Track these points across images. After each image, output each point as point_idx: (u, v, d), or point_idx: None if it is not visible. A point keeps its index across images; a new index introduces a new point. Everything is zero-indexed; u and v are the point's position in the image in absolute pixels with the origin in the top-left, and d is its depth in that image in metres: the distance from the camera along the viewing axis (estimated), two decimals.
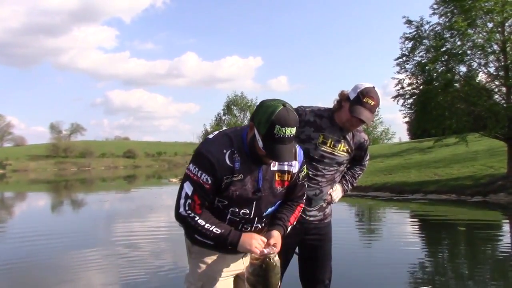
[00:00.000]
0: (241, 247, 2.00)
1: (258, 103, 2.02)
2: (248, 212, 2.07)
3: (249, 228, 2.11)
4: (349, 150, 2.98)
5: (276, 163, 2.08)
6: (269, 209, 2.14)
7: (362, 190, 17.59)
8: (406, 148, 32.24)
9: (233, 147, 1.99)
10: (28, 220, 13.78)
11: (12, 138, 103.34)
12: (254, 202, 2.06)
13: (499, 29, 15.35)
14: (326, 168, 2.92)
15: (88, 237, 9.87)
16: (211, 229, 1.98)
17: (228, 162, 1.97)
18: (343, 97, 2.86)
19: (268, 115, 1.86)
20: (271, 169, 2.09)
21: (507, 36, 15.04)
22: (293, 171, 2.16)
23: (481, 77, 16.70)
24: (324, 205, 3.03)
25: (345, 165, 3.05)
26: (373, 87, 2.80)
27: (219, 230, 1.99)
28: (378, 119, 61.27)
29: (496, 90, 16.12)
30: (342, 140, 2.93)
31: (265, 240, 2.01)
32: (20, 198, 25.29)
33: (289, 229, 2.23)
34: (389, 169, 22.03)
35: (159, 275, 6.30)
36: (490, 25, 15.50)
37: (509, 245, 8.53)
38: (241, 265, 2.22)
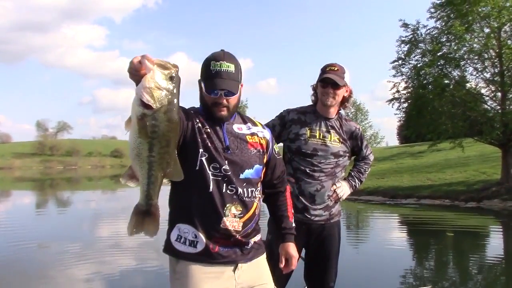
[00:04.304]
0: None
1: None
2: (228, 168, 1.97)
3: (234, 191, 1.98)
4: (341, 140, 2.95)
5: (243, 126, 2.10)
6: (248, 172, 2.03)
7: (354, 194, 17.25)
8: (397, 152, 32.34)
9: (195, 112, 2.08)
10: (11, 218, 13.32)
11: None
12: (226, 161, 1.98)
13: (495, 34, 15.29)
14: (322, 161, 2.88)
15: (72, 235, 9.56)
16: None
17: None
18: (315, 87, 3.02)
19: (205, 60, 2.01)
20: (237, 131, 2.06)
21: (504, 42, 14.98)
22: (266, 137, 2.16)
23: (476, 82, 16.69)
24: (331, 204, 2.93)
25: (343, 157, 2.97)
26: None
27: None
28: (367, 123, 61.54)
29: (492, 95, 16.08)
30: (331, 130, 2.94)
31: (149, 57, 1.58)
32: (3, 196, 24.67)
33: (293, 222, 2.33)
34: (381, 173, 21.96)
35: (145, 271, 6.27)
36: (486, 30, 15.47)
37: (502, 251, 8.46)
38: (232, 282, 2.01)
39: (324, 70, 2.93)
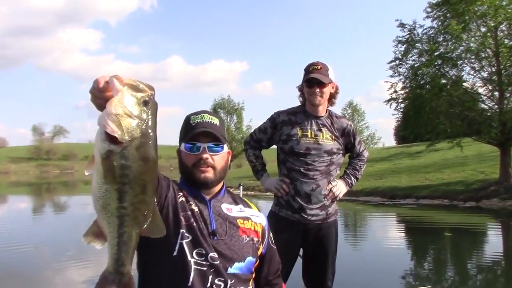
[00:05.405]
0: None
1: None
2: (216, 257, 1.57)
3: (222, 286, 1.56)
4: (334, 137, 2.94)
5: (233, 207, 1.72)
6: (237, 266, 1.61)
7: (353, 195, 17.33)
8: (395, 152, 32.30)
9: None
10: (7, 222, 13.19)
11: None
12: (213, 249, 1.58)
13: (492, 33, 15.29)
14: (316, 160, 2.87)
15: (69, 238, 9.33)
16: None
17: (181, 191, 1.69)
18: (301, 87, 3.02)
19: (184, 120, 1.75)
20: (228, 213, 1.69)
21: (501, 41, 14.97)
22: (261, 223, 1.77)
23: (473, 81, 16.68)
24: (327, 203, 2.91)
25: (337, 154, 2.95)
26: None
27: None
28: (364, 123, 61.59)
29: (489, 95, 16.07)
30: (323, 128, 2.93)
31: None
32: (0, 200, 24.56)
33: None
34: (379, 173, 21.88)
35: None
36: (483, 29, 15.47)
37: (502, 250, 8.46)
38: None
39: (307, 70, 2.94)
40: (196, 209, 1.61)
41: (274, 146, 3.12)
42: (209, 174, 1.63)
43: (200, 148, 1.63)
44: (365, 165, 3.20)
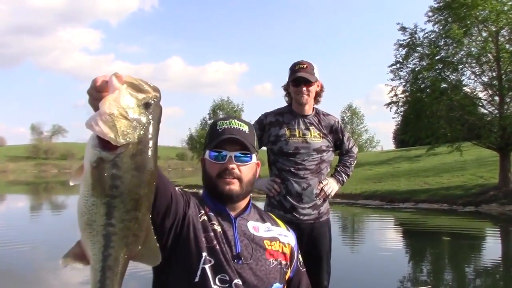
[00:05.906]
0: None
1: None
2: (241, 284, 1.43)
3: None
4: (322, 135, 2.97)
5: (260, 226, 1.58)
6: None
7: (351, 198, 17.30)
8: (393, 156, 32.23)
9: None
10: (3, 220, 13.15)
11: None
12: (238, 274, 1.44)
13: (493, 38, 15.29)
14: (305, 159, 2.89)
15: (67, 238, 9.38)
16: None
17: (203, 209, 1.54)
18: (287, 87, 3.06)
19: (210, 125, 1.65)
20: (254, 233, 1.55)
21: (502, 46, 14.97)
22: (290, 243, 1.63)
23: (474, 86, 16.69)
24: (319, 203, 2.93)
25: (327, 152, 2.98)
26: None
27: None
28: (363, 127, 61.63)
29: (490, 99, 16.06)
30: (310, 127, 2.96)
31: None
32: None
33: None
34: (378, 177, 21.86)
35: (140, 276, 6.06)
36: (484, 34, 15.48)
37: (500, 255, 8.44)
38: None
39: (293, 69, 2.96)
40: (219, 229, 1.48)
41: (264, 149, 3.11)
42: (235, 186, 1.50)
43: (226, 157, 1.49)
44: (355, 161, 3.22)
